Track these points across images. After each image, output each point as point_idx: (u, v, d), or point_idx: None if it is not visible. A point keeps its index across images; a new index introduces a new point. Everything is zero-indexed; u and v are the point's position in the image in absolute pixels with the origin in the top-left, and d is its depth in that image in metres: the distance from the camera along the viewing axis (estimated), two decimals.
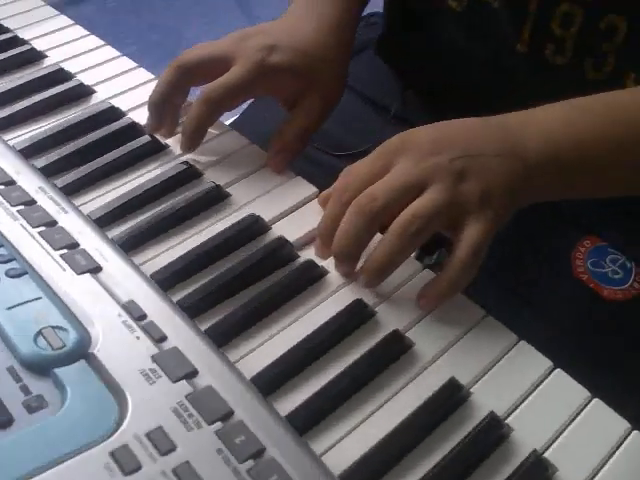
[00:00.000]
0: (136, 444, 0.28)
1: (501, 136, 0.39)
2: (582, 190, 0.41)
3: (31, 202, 0.39)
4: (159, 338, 0.33)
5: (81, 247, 0.37)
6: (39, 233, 0.37)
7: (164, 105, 0.46)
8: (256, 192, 0.45)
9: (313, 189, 0.46)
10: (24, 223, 0.37)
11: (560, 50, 0.49)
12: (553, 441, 0.33)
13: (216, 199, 0.44)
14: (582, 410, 0.34)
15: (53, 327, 0.32)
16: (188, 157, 0.47)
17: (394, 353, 0.36)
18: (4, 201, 0.38)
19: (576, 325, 0.48)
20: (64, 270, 0.35)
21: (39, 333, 0.32)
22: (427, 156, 0.38)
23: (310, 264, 0.40)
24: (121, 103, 0.50)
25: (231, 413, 0.30)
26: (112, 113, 0.49)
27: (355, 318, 0.38)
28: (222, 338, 0.36)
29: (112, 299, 0.34)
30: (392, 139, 0.41)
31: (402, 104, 0.62)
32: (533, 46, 0.50)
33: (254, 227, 0.42)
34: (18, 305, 0.33)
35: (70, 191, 0.43)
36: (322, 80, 0.48)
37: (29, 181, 0.40)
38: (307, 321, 0.37)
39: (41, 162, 0.44)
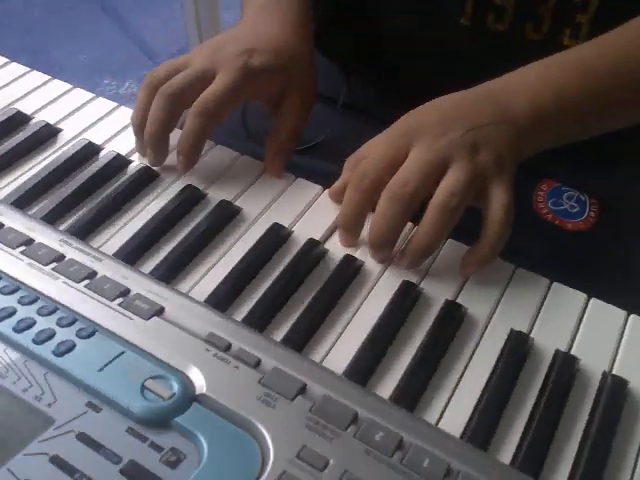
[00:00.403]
0: (294, 468, 0.28)
1: (491, 106, 0.42)
2: (571, 137, 0.45)
3: (61, 257, 0.36)
4: (255, 363, 0.32)
5: (134, 292, 0.35)
6: (86, 287, 0.35)
7: (165, 138, 0.44)
8: (264, 201, 0.45)
9: (317, 187, 0.46)
10: (66, 280, 0.35)
11: (500, 17, 0.53)
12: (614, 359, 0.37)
13: (230, 216, 0.43)
14: (624, 330, 0.38)
15: (153, 378, 0.31)
16: (186, 178, 0.46)
17: (456, 320, 0.38)
18: (35, 262, 0.35)
19: (550, 258, 0.53)
20: (131, 319, 0.34)
21: (143, 387, 0.30)
22: (440, 137, 0.40)
23: (349, 258, 0.41)
24: (92, 135, 0.48)
25: (356, 414, 0.31)
26: (90, 149, 0.46)
27: (409, 298, 0.39)
28: (300, 344, 0.36)
29: (191, 336, 0.33)
30: (398, 124, 0.42)
31: (348, 91, 0.63)
32: (475, 18, 0.53)
33: (281, 235, 0.42)
34: (106, 365, 0.31)
35: (84, 234, 0.40)
36: (299, 77, 0.48)
37: (47, 235, 0.37)
38: (368, 311, 0.39)
39: (41, 211, 0.41)
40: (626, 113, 0.45)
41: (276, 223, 0.43)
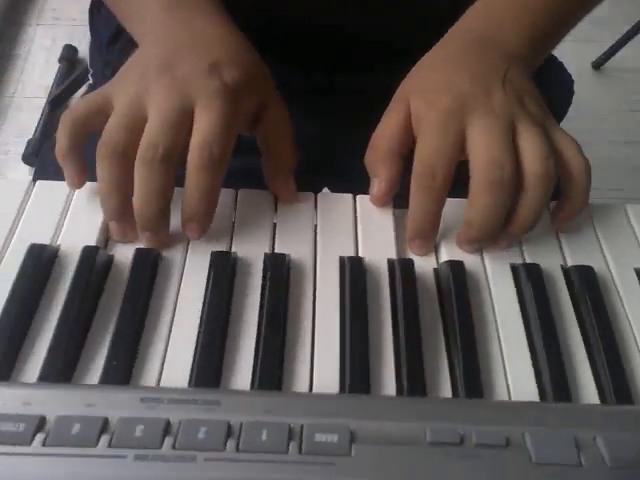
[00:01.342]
0: None
1: (494, 49, 0.39)
2: (552, 47, 0.44)
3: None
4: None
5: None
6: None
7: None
8: (305, 235, 0.37)
9: (348, 197, 0.39)
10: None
11: None
12: None
13: (286, 269, 0.35)
14: None
15: None
16: (197, 246, 0.36)
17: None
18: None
19: None
20: None
21: None
22: (488, 101, 0.36)
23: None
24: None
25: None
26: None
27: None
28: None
29: None
30: (443, 107, 0.36)
31: None
32: None
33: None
34: None
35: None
36: (266, 80, 0.40)
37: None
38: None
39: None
40: (584, 9, 0.45)
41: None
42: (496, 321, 0.33)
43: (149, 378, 0.30)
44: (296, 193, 0.39)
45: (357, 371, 0.30)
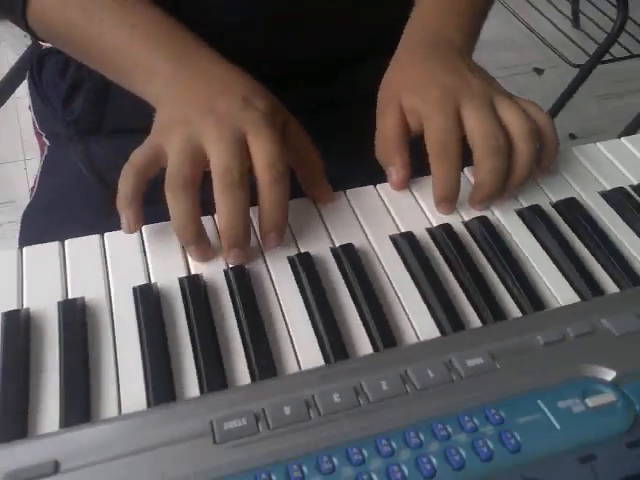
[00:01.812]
0: None
1: (452, 51, 0.48)
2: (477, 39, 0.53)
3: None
4: None
5: None
6: None
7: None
8: (354, 226, 0.43)
9: (371, 188, 0.46)
10: None
11: None
12: None
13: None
14: None
15: None
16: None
17: None
18: None
19: None
20: None
21: None
22: (474, 94, 0.44)
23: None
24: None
25: None
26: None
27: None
28: None
29: None
30: (437, 97, 0.44)
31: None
32: None
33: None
34: None
35: None
36: (279, 103, 0.45)
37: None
38: None
39: None
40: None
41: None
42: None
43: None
44: (333, 193, 0.45)
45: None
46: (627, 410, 0.29)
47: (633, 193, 0.46)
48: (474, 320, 0.38)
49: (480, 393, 0.30)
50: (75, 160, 0.59)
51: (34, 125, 0.66)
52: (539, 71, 1.64)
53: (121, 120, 0.60)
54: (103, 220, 0.56)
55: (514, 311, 0.38)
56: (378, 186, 0.47)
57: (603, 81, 1.52)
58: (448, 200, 0.44)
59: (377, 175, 0.47)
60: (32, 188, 0.65)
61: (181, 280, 0.39)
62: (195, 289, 0.38)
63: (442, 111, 0.43)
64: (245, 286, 0.38)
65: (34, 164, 1.34)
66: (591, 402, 0.30)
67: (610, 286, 0.40)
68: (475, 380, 0.31)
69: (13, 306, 0.37)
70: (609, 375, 0.31)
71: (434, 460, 0.27)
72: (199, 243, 0.40)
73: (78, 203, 0.58)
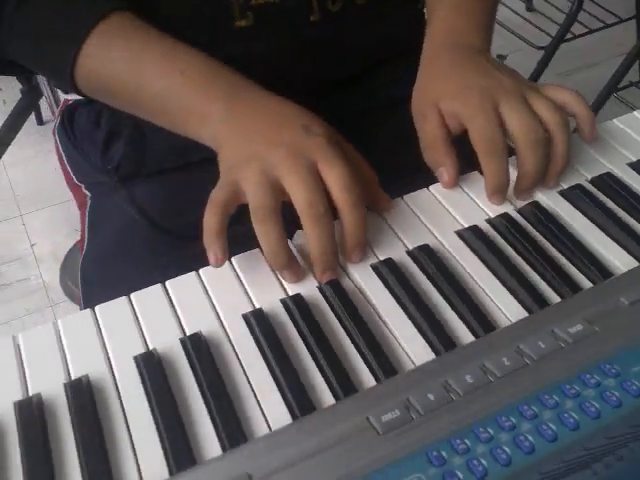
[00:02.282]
0: None
1: (477, 55, 0.53)
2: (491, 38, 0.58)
3: None
4: None
5: None
6: None
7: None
8: (420, 228, 0.47)
9: (424, 191, 0.51)
10: None
11: None
12: None
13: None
14: None
15: None
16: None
17: None
18: None
19: None
20: None
21: None
22: (508, 92, 0.49)
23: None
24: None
25: None
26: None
27: None
28: None
29: None
30: (476, 101, 0.48)
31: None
32: None
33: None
34: None
35: None
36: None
37: None
38: None
39: None
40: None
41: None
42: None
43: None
44: (392, 201, 0.50)
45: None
46: None
47: None
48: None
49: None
50: (122, 206, 0.62)
51: (71, 178, 0.69)
52: (502, 57, 1.71)
53: (160, 161, 0.63)
54: (160, 259, 0.60)
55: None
56: (431, 187, 0.51)
57: (564, 59, 1.61)
58: (501, 191, 0.49)
59: (413, 176, 0.52)
60: (78, 242, 0.68)
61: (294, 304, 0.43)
62: (303, 309, 0.42)
63: (484, 112, 0.48)
64: (344, 298, 0.42)
65: (30, 218, 1.35)
66: None
67: None
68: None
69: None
70: None
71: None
72: (292, 266, 0.44)
73: (134, 248, 0.61)
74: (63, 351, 0.41)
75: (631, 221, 0.47)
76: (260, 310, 0.42)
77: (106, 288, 0.60)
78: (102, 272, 0.61)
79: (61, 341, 0.41)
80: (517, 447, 0.31)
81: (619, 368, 0.34)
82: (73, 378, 0.39)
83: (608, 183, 0.50)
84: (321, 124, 0.47)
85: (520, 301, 0.42)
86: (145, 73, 0.50)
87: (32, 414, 0.37)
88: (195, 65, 0.50)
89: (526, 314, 0.41)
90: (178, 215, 0.62)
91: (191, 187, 0.63)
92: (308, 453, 0.32)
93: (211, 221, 0.44)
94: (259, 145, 0.45)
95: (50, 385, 0.39)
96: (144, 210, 0.61)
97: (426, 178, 0.52)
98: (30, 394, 0.38)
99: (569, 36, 1.56)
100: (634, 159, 0.53)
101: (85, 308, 0.62)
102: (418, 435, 0.32)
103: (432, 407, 0.34)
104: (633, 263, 0.44)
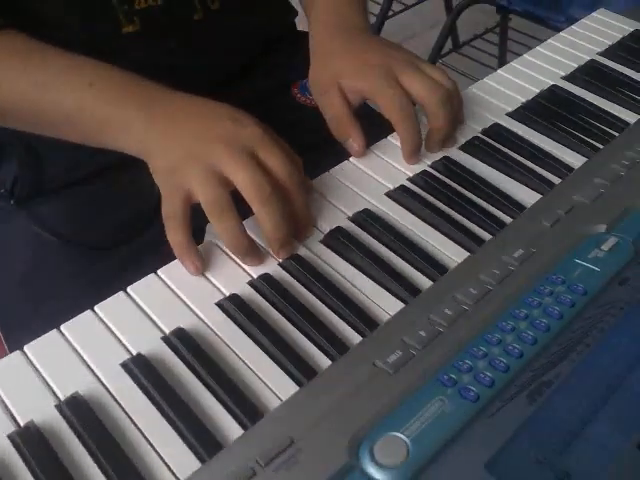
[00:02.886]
0: None
1: (365, 35, 0.59)
2: None
3: None
4: None
5: None
6: None
7: None
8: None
9: (348, 164, 0.55)
10: None
11: None
12: None
13: None
14: None
15: None
16: None
17: None
18: None
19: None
20: None
21: None
22: (401, 63, 0.55)
23: None
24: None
25: None
26: None
27: None
28: None
29: None
30: (376, 75, 0.54)
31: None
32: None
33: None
34: None
35: None
36: None
37: None
38: None
39: None
40: None
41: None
42: None
43: None
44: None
45: None
46: (628, 242, 0.43)
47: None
48: None
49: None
50: (25, 229, 0.60)
51: None
52: None
53: (59, 177, 0.61)
54: (80, 274, 0.59)
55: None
56: (351, 159, 0.56)
57: (387, 34, 1.75)
58: (417, 152, 0.55)
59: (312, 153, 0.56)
60: None
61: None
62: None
63: (390, 84, 0.53)
64: (308, 268, 0.46)
65: None
66: (605, 247, 0.43)
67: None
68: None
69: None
70: (602, 228, 0.45)
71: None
72: (254, 250, 0.46)
73: (49, 268, 0.59)
74: (41, 376, 0.40)
75: (524, 162, 0.56)
76: (235, 295, 0.44)
77: (31, 315, 0.58)
78: (21, 300, 0.59)
79: (34, 366, 0.40)
80: (509, 355, 0.37)
81: (563, 276, 0.41)
82: (63, 398, 0.38)
83: (497, 131, 0.59)
84: (248, 116, 0.49)
85: (459, 243, 0.49)
86: (50, 90, 0.49)
87: (34, 442, 0.36)
88: (103, 76, 0.50)
89: (468, 253, 0.47)
90: (88, 227, 0.61)
91: (95, 197, 0.62)
92: (332, 408, 0.36)
93: (176, 236, 0.45)
94: (194, 144, 0.46)
95: (39, 411, 0.38)
96: (52, 228, 0.59)
97: (325, 154, 0.56)
98: (21, 424, 0.37)
99: (390, 13, 1.70)
100: (510, 109, 0.62)
101: (11, 338, 0.59)
102: (424, 366, 0.37)
103: (426, 341, 0.39)
104: (536, 195, 0.53)
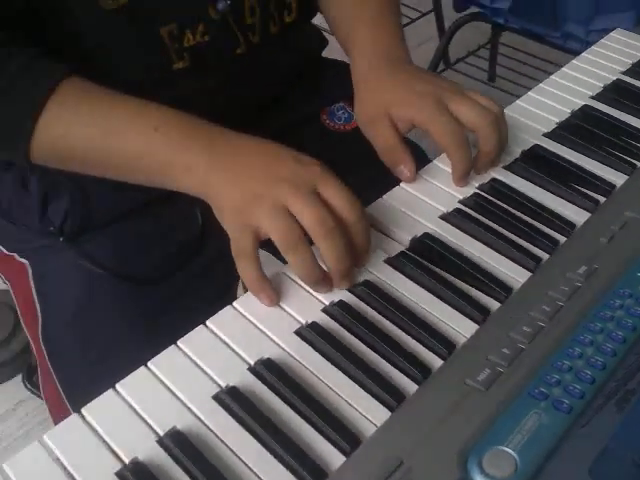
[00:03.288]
0: None
1: (408, 67, 0.62)
2: None
3: None
4: None
5: None
6: None
7: None
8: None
9: (400, 189, 0.58)
10: None
11: None
12: None
13: None
14: None
15: None
16: None
17: None
18: None
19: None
20: None
21: None
22: (449, 91, 0.58)
23: None
24: None
25: None
26: None
27: None
28: None
29: None
30: (429, 103, 0.57)
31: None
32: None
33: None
34: None
35: None
36: None
37: None
38: None
39: None
40: None
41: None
42: None
43: None
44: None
45: None
46: None
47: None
48: None
49: None
50: (74, 265, 0.61)
51: None
52: None
53: (107, 213, 0.63)
54: (130, 308, 0.61)
55: None
56: (402, 184, 0.59)
57: None
58: (467, 175, 0.58)
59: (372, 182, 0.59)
60: (24, 314, 0.65)
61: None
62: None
63: (441, 112, 0.57)
64: (379, 293, 0.48)
65: None
66: None
67: None
68: None
69: None
70: None
71: None
72: (325, 280, 0.48)
73: (101, 303, 0.61)
74: (137, 413, 0.42)
75: (569, 181, 0.59)
76: (315, 323, 0.46)
77: (83, 350, 0.60)
78: (75, 335, 0.60)
79: (129, 403, 0.42)
80: (592, 366, 0.40)
81: (630, 290, 0.44)
82: (162, 434, 0.40)
83: (538, 152, 0.62)
84: (306, 154, 0.51)
85: (519, 262, 0.51)
86: (117, 135, 0.52)
87: (144, 477, 0.38)
88: (167, 120, 0.52)
89: (528, 272, 0.50)
90: (135, 261, 0.63)
91: (141, 231, 0.65)
92: (433, 427, 0.38)
93: (251, 272, 0.47)
94: (259, 185, 0.49)
95: (141, 447, 0.39)
96: (101, 263, 0.61)
97: (358, 177, 0.58)
98: (126, 461, 0.39)
99: None
100: (546, 130, 0.65)
101: (64, 376, 0.61)
102: (513, 382, 0.40)
103: (511, 358, 0.41)
104: (584, 213, 0.56)
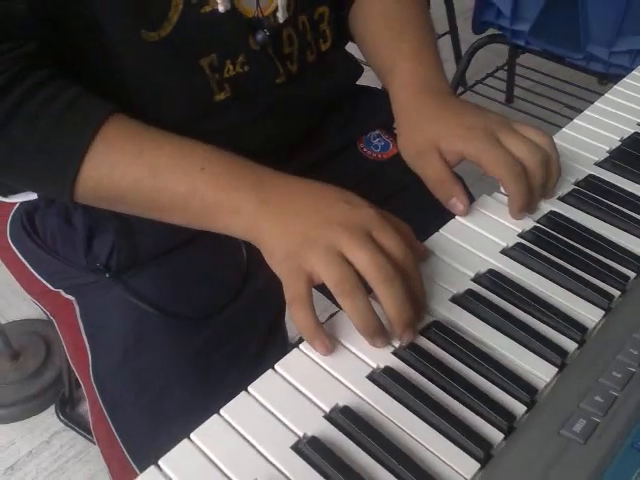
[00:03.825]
0: None
1: (450, 98, 0.61)
2: None
3: None
4: None
5: None
6: None
7: None
8: None
9: (455, 222, 0.58)
10: None
11: None
12: None
13: None
14: None
15: None
16: None
17: None
18: None
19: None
20: None
21: None
22: (498, 124, 0.57)
23: None
24: None
25: None
26: None
27: None
28: None
29: None
30: (479, 135, 0.56)
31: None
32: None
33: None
34: None
35: None
36: None
37: None
38: None
39: None
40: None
41: None
42: None
43: None
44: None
45: None
46: None
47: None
48: None
49: None
50: (122, 302, 0.60)
51: (42, 286, 0.64)
52: None
53: (152, 249, 0.62)
54: (180, 345, 0.59)
55: None
56: (457, 217, 0.58)
57: None
58: (524, 209, 0.57)
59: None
60: (72, 351, 0.64)
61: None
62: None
63: (493, 145, 0.56)
64: (451, 335, 0.47)
65: None
66: None
67: None
68: None
69: None
70: None
71: None
72: (383, 331, 0.46)
73: (150, 341, 0.59)
74: (213, 463, 0.40)
75: (628, 212, 0.59)
76: (389, 367, 0.45)
77: (137, 393, 0.58)
78: (127, 376, 0.59)
79: (204, 453, 0.40)
80: None
81: None
82: None
83: (594, 182, 0.61)
84: (357, 196, 0.50)
85: (590, 300, 0.50)
86: (163, 175, 0.51)
87: None
88: (214, 160, 0.51)
89: (601, 311, 0.49)
90: (182, 297, 0.62)
91: (186, 267, 0.63)
92: None
93: (305, 319, 0.46)
94: (310, 228, 0.47)
95: None
96: (149, 300, 0.60)
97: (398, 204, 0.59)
98: None
99: None
100: (597, 159, 0.65)
101: (117, 418, 0.59)
102: (611, 433, 0.38)
103: (605, 407, 0.40)
104: None
